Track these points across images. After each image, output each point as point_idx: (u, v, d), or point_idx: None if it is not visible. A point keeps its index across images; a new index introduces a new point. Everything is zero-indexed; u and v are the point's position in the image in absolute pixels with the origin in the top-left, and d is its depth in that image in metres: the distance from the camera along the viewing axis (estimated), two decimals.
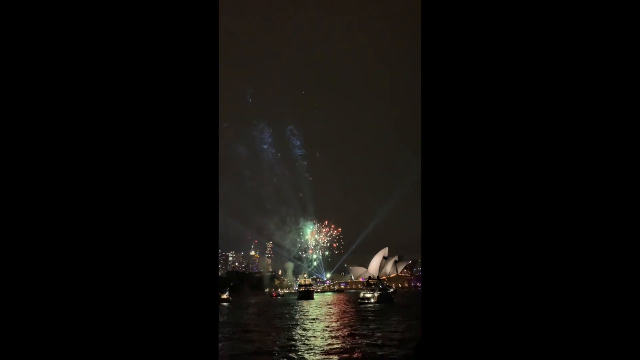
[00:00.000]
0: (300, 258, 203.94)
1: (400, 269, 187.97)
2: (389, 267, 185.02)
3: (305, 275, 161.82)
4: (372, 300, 76.96)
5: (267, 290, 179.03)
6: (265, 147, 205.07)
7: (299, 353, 24.71)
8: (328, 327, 39.00)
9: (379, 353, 23.92)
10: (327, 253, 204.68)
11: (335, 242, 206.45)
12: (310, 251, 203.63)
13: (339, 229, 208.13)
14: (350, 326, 38.61)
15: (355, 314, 54.70)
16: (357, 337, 30.37)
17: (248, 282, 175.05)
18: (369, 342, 27.98)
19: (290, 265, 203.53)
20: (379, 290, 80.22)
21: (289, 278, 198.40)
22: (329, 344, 27.60)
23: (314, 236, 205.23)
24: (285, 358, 23.36)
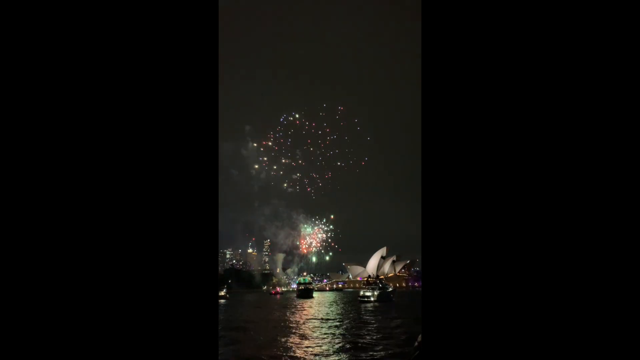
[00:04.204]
0: (292, 253, 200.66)
1: (398, 269, 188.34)
2: (387, 267, 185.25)
3: (305, 274, 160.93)
4: (372, 299, 77.64)
5: (265, 288, 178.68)
6: (250, 142, 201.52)
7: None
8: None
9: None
10: (324, 245, 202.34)
11: (331, 240, 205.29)
12: (304, 250, 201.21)
13: (331, 227, 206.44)
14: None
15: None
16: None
17: (238, 279, 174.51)
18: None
19: (280, 257, 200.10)
20: (378, 289, 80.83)
21: (281, 277, 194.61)
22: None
23: (307, 231, 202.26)
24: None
